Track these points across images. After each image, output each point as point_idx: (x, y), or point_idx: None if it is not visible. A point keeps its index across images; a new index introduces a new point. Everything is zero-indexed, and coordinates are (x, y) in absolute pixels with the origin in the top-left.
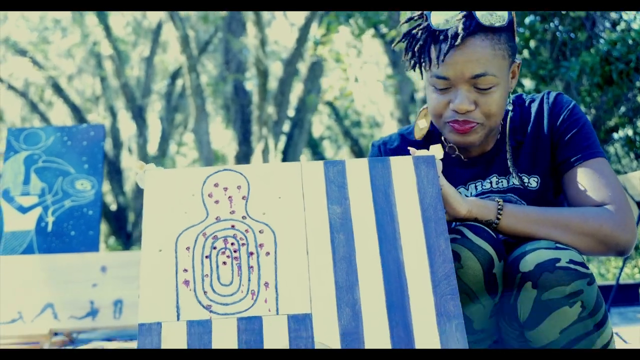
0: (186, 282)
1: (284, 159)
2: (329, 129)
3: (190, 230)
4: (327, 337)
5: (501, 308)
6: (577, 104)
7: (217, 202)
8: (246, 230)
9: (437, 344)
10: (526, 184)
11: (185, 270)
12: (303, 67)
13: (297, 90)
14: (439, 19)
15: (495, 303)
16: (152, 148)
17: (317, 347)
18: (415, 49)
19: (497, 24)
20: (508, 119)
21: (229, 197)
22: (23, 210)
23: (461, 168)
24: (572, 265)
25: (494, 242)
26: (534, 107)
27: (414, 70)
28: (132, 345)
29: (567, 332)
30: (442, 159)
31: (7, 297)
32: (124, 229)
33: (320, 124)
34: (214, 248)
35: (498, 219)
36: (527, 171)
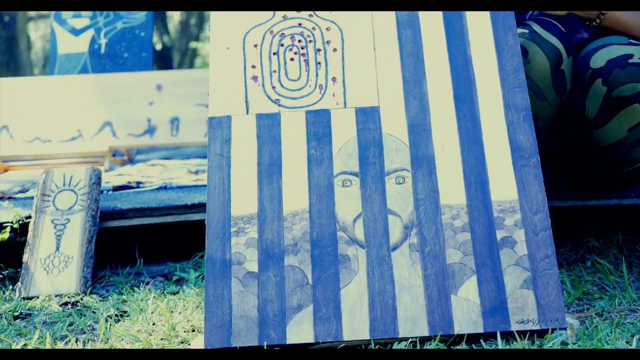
0: (254, 78)
1: None
2: None
3: (257, 29)
4: (395, 128)
5: (568, 107)
6: None
7: None
8: (313, 28)
9: (505, 134)
10: None
11: (254, 67)
12: None
13: None
14: None
15: (563, 102)
16: None
17: (384, 138)
18: None
19: None
20: None
21: None
22: (75, 32)
23: None
24: None
25: (563, 37)
26: None
27: None
28: (190, 161)
29: (636, 130)
30: None
31: (65, 116)
32: (170, 67)
33: None
34: (282, 45)
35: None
36: None
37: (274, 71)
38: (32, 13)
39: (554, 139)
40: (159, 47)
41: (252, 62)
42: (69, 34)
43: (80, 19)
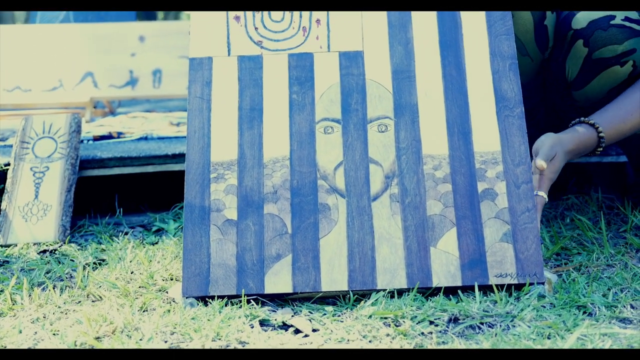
0: (237, 18)
1: None
2: None
3: None
4: (378, 74)
5: (549, 65)
6: None
7: None
8: None
9: (490, 82)
10: None
11: None
12: None
13: None
14: None
15: (544, 59)
16: None
17: (368, 84)
18: None
19: None
20: None
21: None
22: None
23: None
24: (627, 23)
25: None
26: None
27: None
28: (172, 114)
29: (616, 91)
30: None
31: (46, 65)
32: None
33: None
34: None
35: (601, 146)
36: None
37: (257, 11)
38: None
39: (536, 95)
40: None
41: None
42: None
43: None
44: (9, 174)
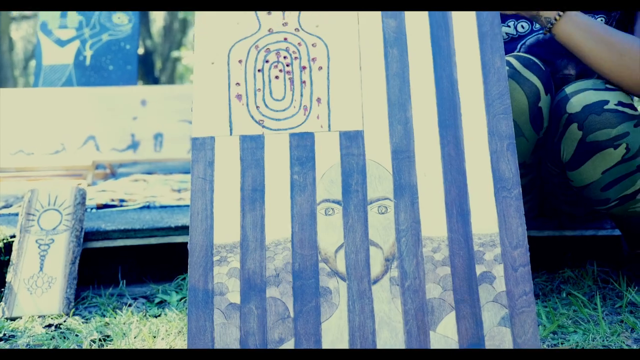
0: (239, 96)
1: None
2: None
3: (242, 43)
4: (378, 154)
5: (544, 145)
6: None
7: (269, 13)
8: (299, 44)
9: (488, 163)
10: None
11: (238, 84)
12: None
13: None
14: None
15: (539, 138)
16: None
17: (368, 164)
18: None
19: None
20: None
21: None
22: (61, 43)
23: None
24: (620, 108)
25: (542, 75)
26: None
27: None
28: (172, 177)
29: (609, 172)
30: None
31: (50, 129)
32: (152, 74)
33: None
34: (267, 62)
35: (556, 19)
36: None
37: (259, 89)
38: (14, 13)
39: (531, 172)
40: (141, 51)
41: (237, 79)
42: (55, 44)
43: (66, 30)
44: (15, 246)
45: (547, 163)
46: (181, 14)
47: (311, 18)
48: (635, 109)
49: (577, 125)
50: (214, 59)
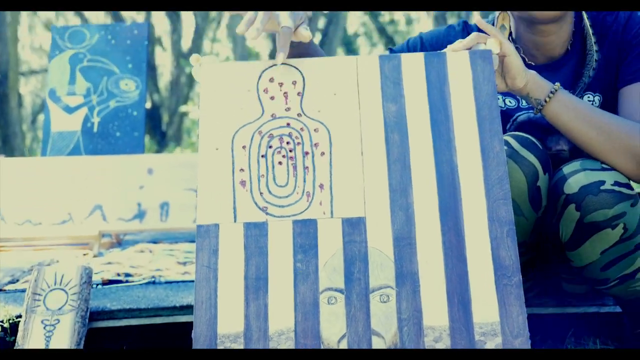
0: (242, 183)
1: None
2: (363, 25)
3: (246, 128)
4: (380, 241)
5: (543, 223)
6: None
7: (272, 98)
8: (301, 129)
9: (488, 250)
10: (591, 103)
11: (242, 170)
12: None
13: None
14: None
15: (538, 217)
16: (186, 44)
17: (370, 252)
18: None
19: None
20: (588, 28)
21: (284, 92)
22: (69, 110)
23: None
24: (616, 188)
25: (540, 154)
26: (608, 21)
27: None
28: (178, 246)
29: (608, 252)
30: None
31: (57, 198)
32: (159, 127)
33: (354, 18)
34: (270, 147)
35: (546, 101)
36: (592, 88)
37: (262, 175)
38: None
39: (531, 251)
40: (148, 105)
41: (241, 165)
42: (63, 111)
43: (75, 97)
44: (21, 327)
45: (547, 242)
46: (188, 69)
47: (313, 103)
48: (632, 189)
49: (574, 206)
50: (218, 144)
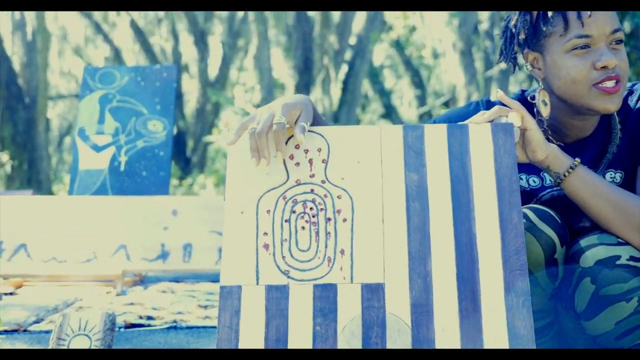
0: (266, 246)
1: (344, 89)
2: (389, 57)
3: (271, 193)
4: (398, 308)
5: (559, 293)
6: None
7: (297, 164)
8: (325, 195)
9: (504, 319)
10: (612, 179)
11: (266, 234)
12: None
13: (359, 18)
14: None
15: (555, 287)
16: (213, 72)
17: (388, 317)
18: (534, 22)
19: None
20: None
21: (310, 159)
22: (97, 149)
23: None
24: (631, 263)
25: (558, 228)
26: (631, 101)
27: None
28: (200, 287)
29: (622, 323)
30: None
31: (82, 237)
32: (183, 153)
33: (380, 50)
34: (294, 212)
35: (565, 175)
36: (614, 165)
37: (285, 240)
38: (52, 93)
39: (548, 316)
40: (174, 131)
41: (265, 228)
42: (91, 150)
43: (103, 136)
44: None
45: (563, 310)
46: (214, 98)
47: (337, 170)
48: None
49: (590, 279)
50: (243, 208)
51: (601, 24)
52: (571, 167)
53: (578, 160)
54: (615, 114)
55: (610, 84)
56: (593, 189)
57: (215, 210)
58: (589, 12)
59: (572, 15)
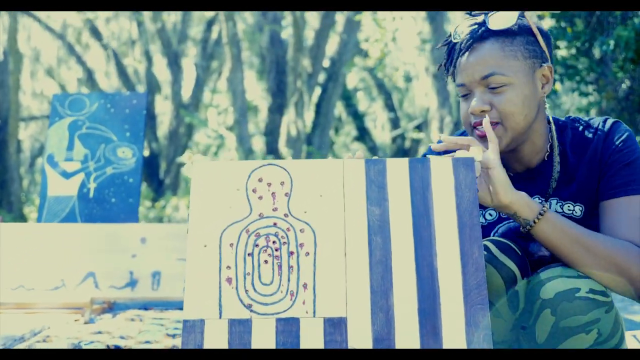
0: (229, 280)
1: (318, 112)
2: (362, 80)
3: (234, 226)
4: (359, 341)
5: (519, 324)
6: (632, 134)
7: (260, 197)
8: (288, 229)
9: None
10: (570, 212)
11: (229, 268)
12: (340, 18)
13: (332, 42)
14: (456, 30)
15: (517, 317)
16: (186, 94)
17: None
18: (445, 64)
19: (505, 27)
20: (554, 140)
21: (272, 193)
22: (66, 175)
23: None
24: (591, 295)
25: (518, 260)
26: (588, 134)
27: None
28: (168, 314)
29: None
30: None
31: (50, 265)
32: (156, 175)
33: (354, 74)
34: (256, 246)
35: (535, 222)
36: (573, 199)
37: (248, 274)
38: (24, 114)
39: (508, 347)
40: (146, 153)
41: (228, 262)
42: (60, 176)
43: (72, 163)
44: None
45: (524, 342)
46: (187, 120)
47: (300, 204)
48: (607, 295)
49: (550, 311)
50: (206, 241)
51: (470, 72)
52: (540, 214)
53: (547, 206)
54: (556, 148)
55: (481, 128)
56: (562, 234)
57: (184, 238)
58: (464, 60)
59: (457, 63)
